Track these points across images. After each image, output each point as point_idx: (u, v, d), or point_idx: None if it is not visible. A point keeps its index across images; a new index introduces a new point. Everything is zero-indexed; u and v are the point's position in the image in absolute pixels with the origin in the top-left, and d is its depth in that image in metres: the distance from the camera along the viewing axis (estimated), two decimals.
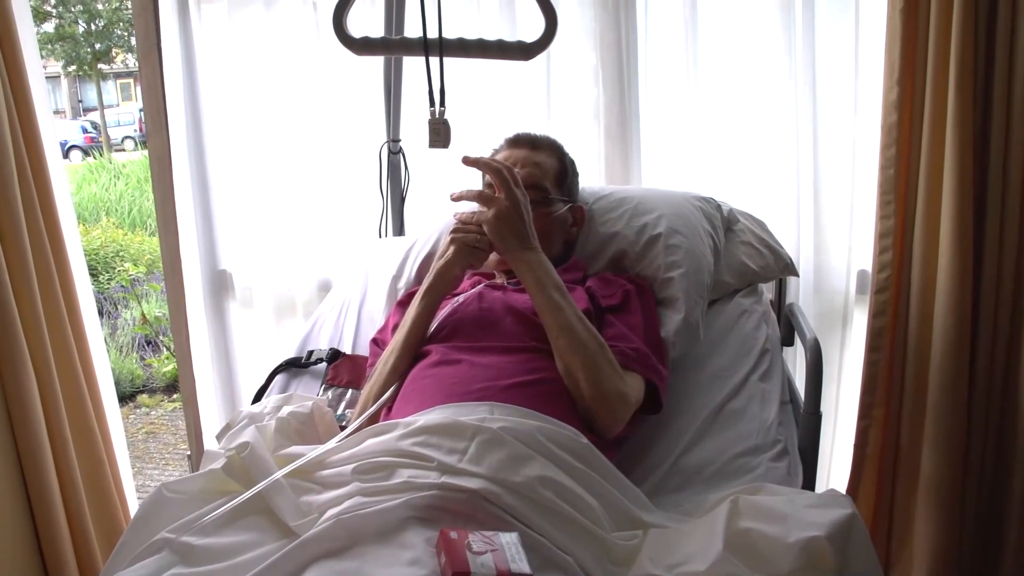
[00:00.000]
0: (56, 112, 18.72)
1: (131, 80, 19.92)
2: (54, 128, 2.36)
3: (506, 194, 1.62)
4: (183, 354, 2.66)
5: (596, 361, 1.49)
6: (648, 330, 1.71)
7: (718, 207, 2.07)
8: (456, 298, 1.73)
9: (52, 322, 2.17)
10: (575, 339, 1.50)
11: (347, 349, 2.02)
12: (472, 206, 1.73)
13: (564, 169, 1.90)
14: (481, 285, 1.77)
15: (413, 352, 1.66)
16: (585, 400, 1.48)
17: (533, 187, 1.80)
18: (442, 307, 1.71)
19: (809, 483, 1.64)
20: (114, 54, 17.75)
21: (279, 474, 1.31)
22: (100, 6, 16.67)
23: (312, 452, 1.37)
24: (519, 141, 1.90)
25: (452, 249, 1.67)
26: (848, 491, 2.17)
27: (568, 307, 1.54)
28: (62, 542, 2.18)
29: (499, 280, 1.83)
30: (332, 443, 1.39)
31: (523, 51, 1.79)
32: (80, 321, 2.30)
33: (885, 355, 2.09)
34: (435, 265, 1.71)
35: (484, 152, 1.96)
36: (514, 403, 1.40)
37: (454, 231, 1.69)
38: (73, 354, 2.24)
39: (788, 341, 2.01)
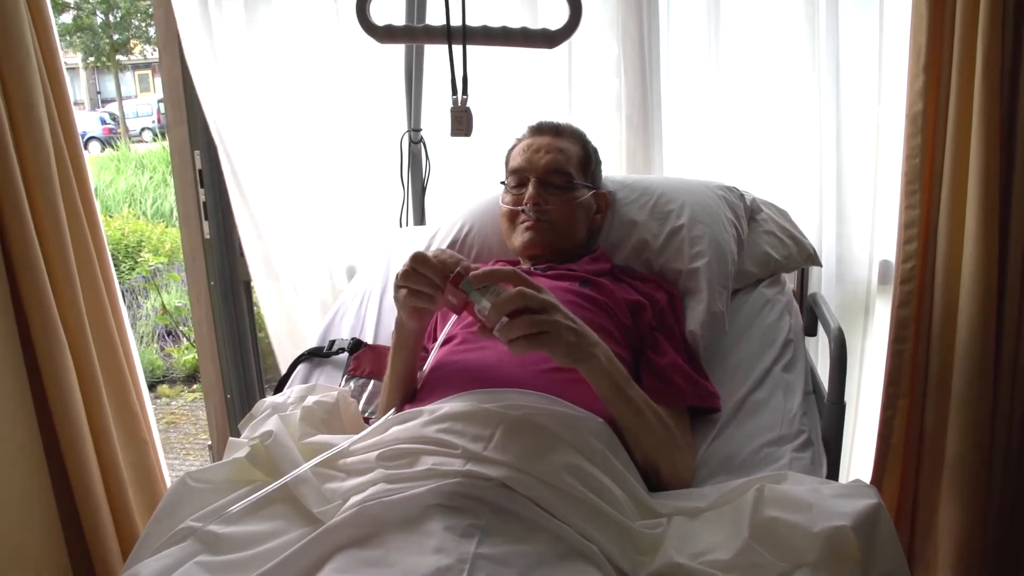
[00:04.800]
0: (75, 104, 18.80)
1: (149, 71, 19.99)
2: (75, 120, 2.37)
3: (546, 307, 1.27)
4: (203, 344, 2.67)
5: (673, 454, 1.45)
6: (687, 346, 1.73)
7: (741, 196, 2.06)
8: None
9: (92, 308, 2.19)
10: (656, 437, 1.42)
11: (368, 339, 2.02)
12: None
13: (587, 156, 1.91)
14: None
15: (405, 388, 1.61)
16: (663, 483, 1.44)
17: (557, 172, 1.82)
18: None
19: (833, 473, 1.63)
20: (132, 45, 17.81)
21: (307, 466, 1.31)
22: None
23: (338, 445, 1.37)
24: (542, 129, 1.92)
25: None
26: (872, 482, 2.16)
27: (642, 402, 1.43)
28: (104, 527, 2.19)
29: (525, 265, 1.84)
30: (355, 438, 1.39)
31: (547, 39, 1.79)
32: (119, 307, 2.32)
33: (910, 346, 2.07)
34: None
35: (507, 141, 1.96)
36: (544, 389, 1.40)
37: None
38: (115, 339, 2.25)
39: (811, 331, 2.00)
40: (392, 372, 1.60)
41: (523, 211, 1.82)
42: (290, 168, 2.52)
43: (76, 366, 2.12)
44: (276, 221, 2.56)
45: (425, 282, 1.38)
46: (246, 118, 2.50)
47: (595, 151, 1.95)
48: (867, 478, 2.19)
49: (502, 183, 1.92)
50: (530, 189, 1.81)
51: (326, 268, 2.59)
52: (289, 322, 2.65)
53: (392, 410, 1.50)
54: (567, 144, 1.88)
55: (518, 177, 1.86)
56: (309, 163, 2.51)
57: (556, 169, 1.83)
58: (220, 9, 2.40)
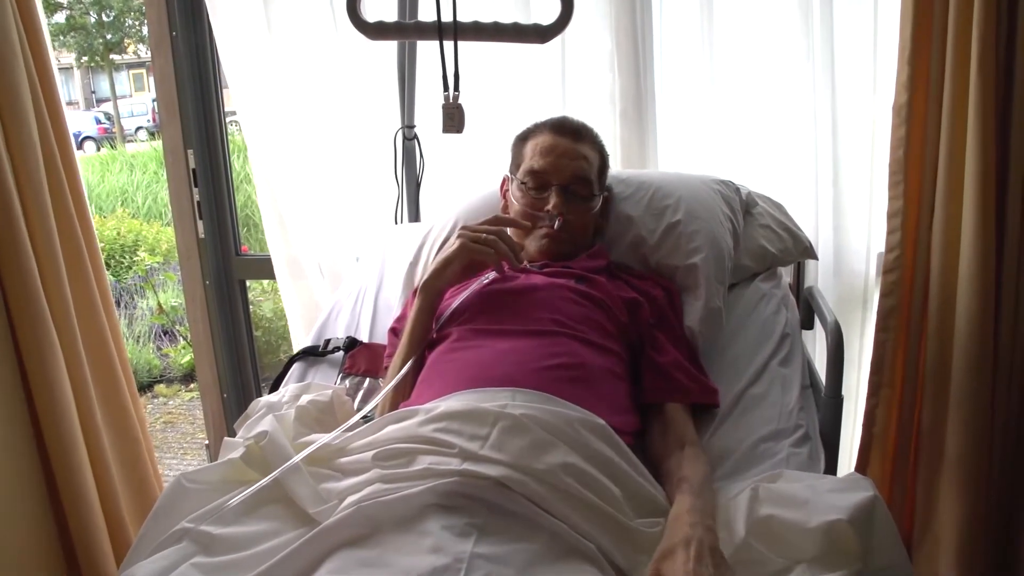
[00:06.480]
0: (69, 103, 18.77)
1: (144, 70, 19.94)
2: (66, 119, 2.36)
3: None
4: (199, 343, 2.66)
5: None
6: (687, 343, 1.73)
7: (737, 190, 2.05)
8: (479, 279, 1.72)
9: (82, 307, 2.18)
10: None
11: (364, 337, 2.01)
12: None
13: (604, 163, 1.90)
14: (504, 268, 1.77)
15: (420, 351, 1.65)
16: None
17: (583, 181, 1.81)
18: (464, 288, 1.70)
19: (831, 468, 1.63)
20: (126, 44, 17.76)
21: (298, 458, 1.31)
22: None
23: (327, 436, 1.37)
24: (564, 129, 1.86)
25: (456, 245, 1.67)
26: (856, 471, 2.15)
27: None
28: (96, 528, 2.18)
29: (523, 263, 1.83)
30: (342, 428, 1.39)
31: (539, 34, 1.78)
32: (111, 306, 2.30)
33: (897, 335, 2.06)
34: (436, 258, 1.71)
35: (502, 137, 1.95)
36: (540, 388, 1.39)
37: (463, 228, 1.71)
38: (107, 337, 2.24)
39: (807, 324, 1.99)
40: (410, 337, 1.66)
41: (545, 217, 1.78)
42: (284, 166, 2.51)
43: (67, 365, 2.11)
44: (273, 219, 2.55)
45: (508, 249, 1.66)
46: (240, 116, 2.49)
47: (608, 156, 1.93)
48: (852, 469, 2.19)
49: (522, 183, 1.84)
50: (554, 197, 1.78)
51: (319, 266, 2.58)
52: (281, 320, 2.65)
53: (394, 377, 1.57)
54: (588, 150, 1.85)
55: (539, 180, 1.81)
56: (303, 161, 2.50)
57: (582, 178, 1.81)
58: (215, 7, 2.39)
